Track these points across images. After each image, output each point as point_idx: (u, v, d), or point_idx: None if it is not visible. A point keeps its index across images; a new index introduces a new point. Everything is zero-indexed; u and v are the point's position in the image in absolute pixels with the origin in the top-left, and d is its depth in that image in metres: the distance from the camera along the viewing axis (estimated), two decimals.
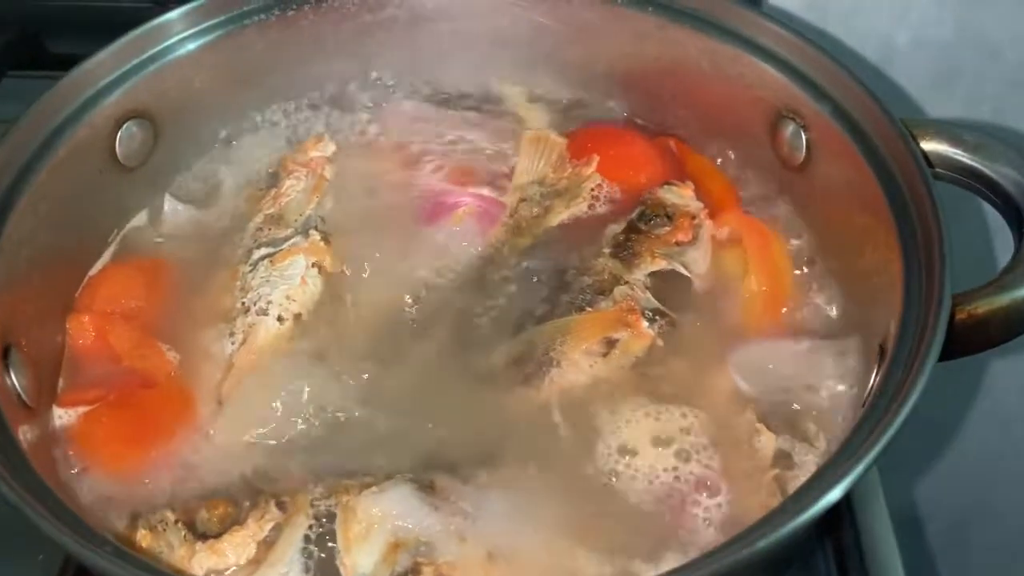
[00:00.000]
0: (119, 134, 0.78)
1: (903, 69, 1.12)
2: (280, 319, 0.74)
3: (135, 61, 0.78)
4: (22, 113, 0.72)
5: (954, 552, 1.54)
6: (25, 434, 0.61)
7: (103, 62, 0.76)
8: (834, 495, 0.52)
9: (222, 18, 0.81)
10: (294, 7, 0.84)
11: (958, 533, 1.53)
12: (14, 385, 0.64)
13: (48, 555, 0.71)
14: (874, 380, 0.62)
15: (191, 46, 0.80)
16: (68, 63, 0.77)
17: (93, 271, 0.78)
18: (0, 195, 0.68)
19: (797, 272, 0.77)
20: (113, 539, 0.55)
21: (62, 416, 0.69)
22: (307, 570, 0.63)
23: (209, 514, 0.65)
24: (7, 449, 0.56)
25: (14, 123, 0.71)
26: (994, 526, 1.52)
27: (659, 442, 0.67)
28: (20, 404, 0.64)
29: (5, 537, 0.73)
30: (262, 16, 0.83)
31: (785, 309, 0.75)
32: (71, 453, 0.68)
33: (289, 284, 0.75)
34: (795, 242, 0.79)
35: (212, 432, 0.69)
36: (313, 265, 0.76)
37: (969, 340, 0.64)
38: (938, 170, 0.70)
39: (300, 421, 0.70)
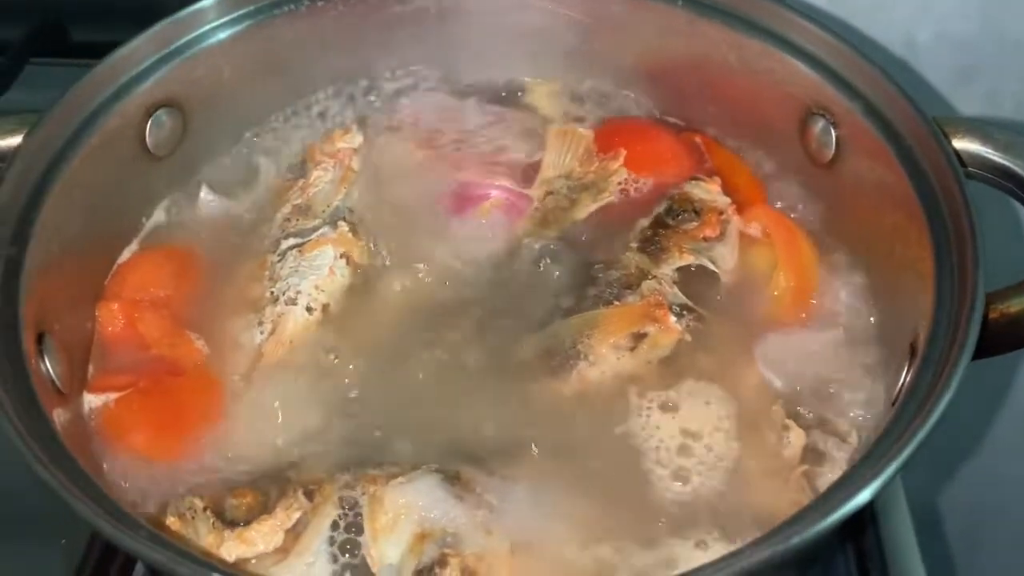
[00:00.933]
0: (149, 123, 0.78)
1: (925, 64, 1.12)
2: (309, 309, 0.74)
3: (166, 50, 0.78)
4: (44, 100, 0.72)
5: (971, 552, 1.54)
6: (59, 418, 0.61)
7: (135, 51, 0.76)
8: (864, 496, 0.52)
9: (252, 8, 0.81)
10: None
11: (976, 533, 1.53)
12: (48, 371, 0.64)
13: (71, 540, 0.72)
14: (905, 379, 0.62)
15: (222, 35, 0.80)
16: (90, 51, 0.78)
17: (122, 259, 0.79)
18: (34, 182, 0.69)
19: (826, 268, 0.77)
20: (146, 524, 0.55)
21: (92, 402, 0.70)
22: (333, 559, 0.63)
23: (237, 502, 0.65)
24: (43, 433, 0.57)
25: (47, 112, 0.71)
26: (1011, 527, 1.52)
27: (687, 435, 0.67)
28: (54, 389, 0.65)
29: (29, 522, 0.75)
30: (292, 6, 0.83)
31: (814, 303, 0.75)
32: (101, 439, 0.68)
33: (318, 275, 0.75)
34: (825, 239, 0.79)
35: (240, 421, 0.70)
36: (341, 256, 0.77)
37: (1001, 339, 0.64)
38: (970, 169, 0.69)
39: (327, 411, 0.70)
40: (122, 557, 0.71)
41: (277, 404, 0.71)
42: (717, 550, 0.62)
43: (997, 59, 1.10)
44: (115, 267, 0.78)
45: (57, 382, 0.65)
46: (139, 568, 0.71)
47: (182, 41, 0.78)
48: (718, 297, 0.76)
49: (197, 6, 0.79)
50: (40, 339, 0.65)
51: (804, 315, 0.75)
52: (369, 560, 0.62)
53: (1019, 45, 1.09)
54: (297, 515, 0.64)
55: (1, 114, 0.97)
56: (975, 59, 1.11)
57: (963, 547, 1.52)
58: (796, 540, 0.50)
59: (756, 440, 0.68)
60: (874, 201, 0.74)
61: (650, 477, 0.66)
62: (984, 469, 1.46)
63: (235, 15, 0.80)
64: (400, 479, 0.65)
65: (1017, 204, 0.69)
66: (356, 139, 0.85)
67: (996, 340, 0.63)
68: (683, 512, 0.65)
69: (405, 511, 0.63)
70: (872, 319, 0.74)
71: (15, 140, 0.69)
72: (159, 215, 0.82)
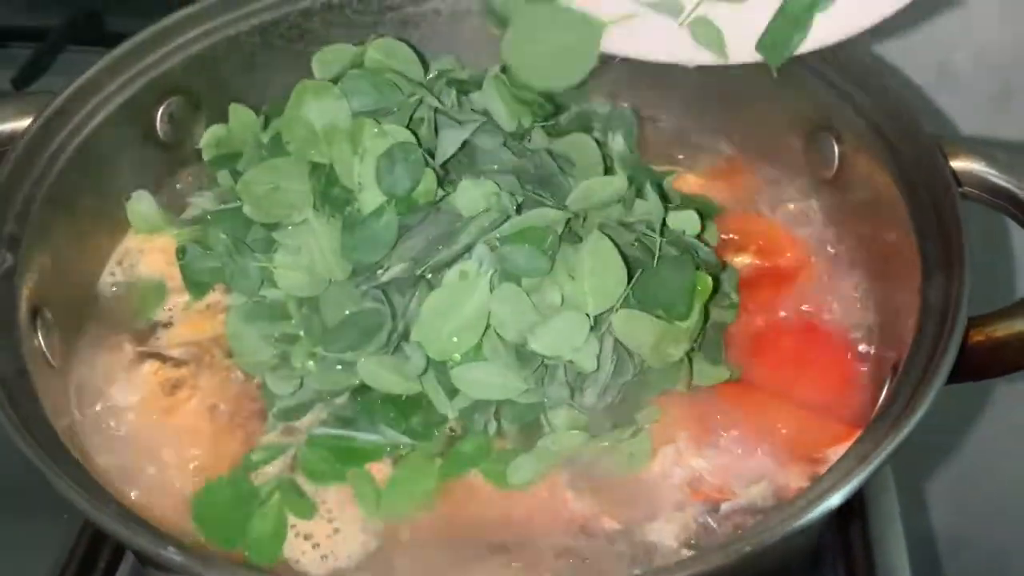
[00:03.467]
0: (160, 111, 0.80)
1: (961, 87, 1.10)
2: None
3: (180, 40, 0.79)
4: None
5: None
6: (47, 394, 0.63)
7: (149, 40, 0.78)
8: (831, 502, 0.53)
9: (268, 2, 0.83)
10: None
11: (995, 562, 1.50)
12: (41, 345, 0.66)
13: (72, 514, 0.73)
14: (884, 394, 0.61)
15: (235, 29, 0.82)
16: (124, 39, 0.80)
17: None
18: (41, 164, 0.70)
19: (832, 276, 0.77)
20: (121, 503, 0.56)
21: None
22: None
23: None
24: (30, 411, 0.58)
25: (58, 93, 0.73)
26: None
27: None
28: (46, 364, 0.66)
29: (32, 496, 0.77)
30: (307, 3, 0.84)
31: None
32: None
33: None
34: (832, 251, 0.78)
35: None
36: None
37: (987, 363, 0.63)
38: (968, 189, 0.69)
39: None
40: (114, 539, 0.73)
41: None
42: None
43: None
44: None
45: (49, 357, 0.67)
46: None
47: (195, 32, 0.80)
48: None
49: (207, 1, 0.80)
50: (36, 314, 0.67)
51: None
52: None
53: None
54: None
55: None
56: (1011, 82, 1.10)
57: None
58: (759, 542, 0.50)
59: None
60: (874, 218, 0.74)
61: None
62: (1003, 500, 1.43)
63: (249, 9, 0.82)
64: None
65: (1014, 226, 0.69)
66: None
67: (981, 364, 0.63)
68: None
69: None
70: (871, 331, 0.73)
71: (25, 122, 0.71)
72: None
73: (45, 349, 0.66)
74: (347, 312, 0.68)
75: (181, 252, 0.75)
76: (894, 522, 0.75)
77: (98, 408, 0.69)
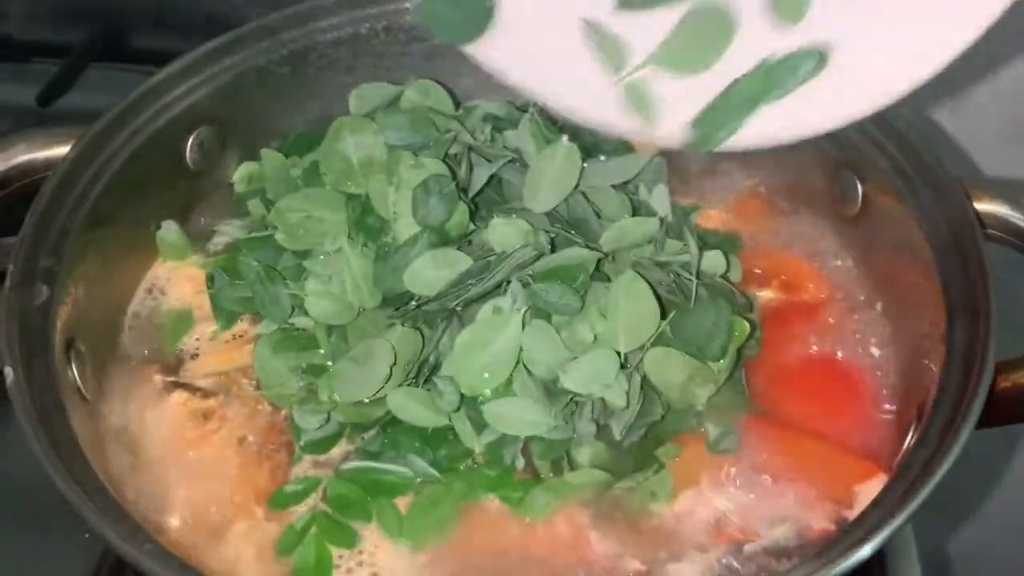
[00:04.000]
0: (190, 140, 0.81)
1: (978, 122, 1.11)
2: None
3: (209, 71, 0.80)
4: (102, 102, 0.75)
5: None
6: (81, 426, 0.63)
7: (179, 71, 0.79)
8: (862, 553, 0.53)
9: (295, 33, 0.83)
10: (367, 26, 0.86)
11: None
12: (75, 377, 0.67)
13: (93, 534, 0.74)
14: (908, 442, 0.62)
15: (264, 59, 0.82)
16: (147, 56, 0.81)
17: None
18: (76, 194, 0.71)
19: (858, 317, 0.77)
20: (153, 536, 0.57)
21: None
22: None
23: None
24: (63, 440, 0.59)
25: (93, 126, 0.74)
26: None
27: None
28: (80, 397, 0.67)
29: (56, 515, 0.77)
30: (336, 33, 0.85)
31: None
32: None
33: None
34: (855, 290, 0.79)
35: None
36: None
37: (1012, 409, 0.64)
38: (992, 231, 0.69)
39: None
40: None
41: None
42: None
43: None
44: None
45: (83, 389, 0.68)
46: None
47: (225, 63, 0.81)
48: None
49: (242, 29, 0.81)
50: (69, 346, 0.67)
51: None
52: None
53: None
54: None
55: (58, 117, 1.01)
56: None
57: None
58: None
59: None
60: (897, 258, 0.74)
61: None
62: (1006, 531, 1.43)
63: (279, 39, 0.83)
64: None
65: None
66: None
67: (1007, 409, 0.63)
68: None
69: None
70: (894, 370, 0.74)
71: (61, 150, 0.72)
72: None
73: (79, 382, 0.67)
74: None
75: (210, 280, 0.76)
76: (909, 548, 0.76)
77: (128, 439, 0.70)
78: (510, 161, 0.74)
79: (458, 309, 0.68)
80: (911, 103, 1.04)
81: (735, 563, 0.64)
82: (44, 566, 0.77)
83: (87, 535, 0.73)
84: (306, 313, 0.71)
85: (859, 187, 0.77)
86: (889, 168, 0.74)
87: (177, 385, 0.73)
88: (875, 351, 0.75)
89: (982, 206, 0.70)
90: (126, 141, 0.75)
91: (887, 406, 0.72)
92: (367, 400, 0.67)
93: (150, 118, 0.78)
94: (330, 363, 0.70)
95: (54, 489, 0.77)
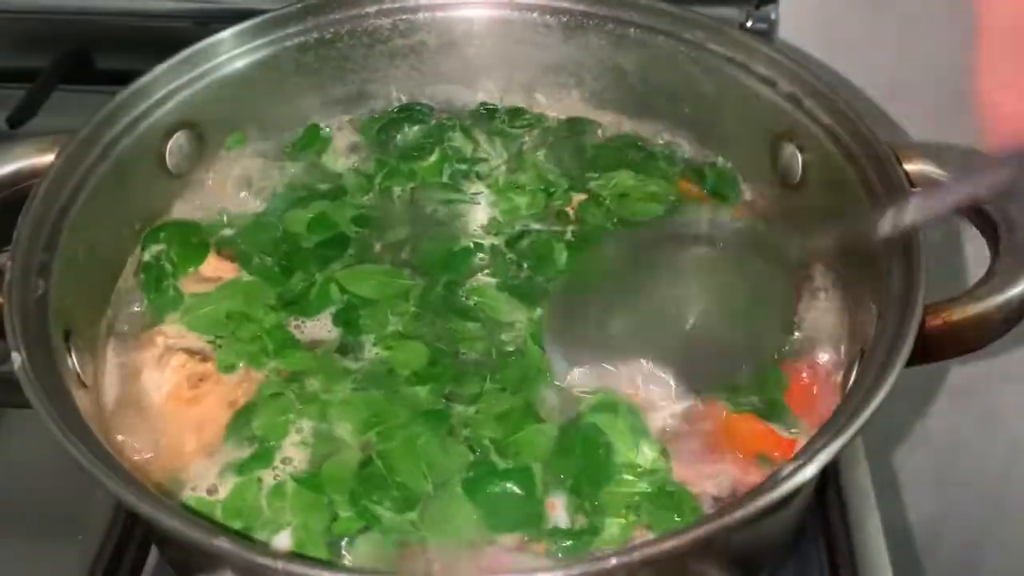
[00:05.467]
0: (169, 144, 0.84)
1: (908, 102, 1.16)
2: None
3: (186, 77, 0.84)
4: (70, 125, 0.78)
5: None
6: (84, 409, 0.66)
7: (157, 78, 0.83)
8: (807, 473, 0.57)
9: (266, 39, 0.88)
10: (331, 31, 0.90)
11: (967, 559, 1.56)
12: (74, 365, 0.70)
13: (87, 536, 0.77)
14: (853, 377, 0.67)
15: (237, 64, 0.87)
16: (115, 78, 0.83)
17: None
18: (64, 196, 0.75)
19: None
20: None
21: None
22: None
23: None
24: (71, 418, 0.62)
25: (77, 132, 0.77)
26: (1004, 553, 1.55)
27: None
28: (80, 383, 0.70)
29: (49, 520, 0.81)
30: (302, 38, 0.89)
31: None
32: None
33: None
34: (795, 253, 0.84)
35: None
36: None
37: (945, 345, 0.69)
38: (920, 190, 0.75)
39: None
40: (133, 552, 0.77)
41: None
42: None
43: None
44: None
45: (82, 376, 0.71)
46: (150, 561, 0.77)
47: (201, 69, 0.85)
48: None
49: (215, 37, 0.85)
50: (67, 336, 0.70)
51: None
52: None
53: None
54: None
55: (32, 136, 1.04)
56: (958, 94, 1.15)
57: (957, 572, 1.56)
58: (754, 508, 0.55)
59: None
60: (837, 219, 0.79)
61: None
62: (976, 496, 1.49)
63: (250, 46, 0.87)
64: None
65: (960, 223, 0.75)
66: None
67: (940, 346, 0.68)
68: None
69: None
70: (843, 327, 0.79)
71: (48, 157, 0.75)
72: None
73: (78, 369, 0.70)
74: None
75: None
76: (868, 499, 0.81)
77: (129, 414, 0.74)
78: None
79: None
80: (847, 83, 1.12)
81: None
82: (39, 571, 0.79)
83: (80, 537, 0.78)
84: None
85: (800, 157, 0.83)
86: (825, 137, 0.79)
87: (176, 350, 0.77)
88: (824, 317, 0.80)
89: (910, 166, 0.75)
90: (109, 145, 0.79)
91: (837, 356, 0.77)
92: None
93: (129, 125, 0.81)
94: None
95: (48, 493, 0.81)
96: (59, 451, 0.76)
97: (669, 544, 0.54)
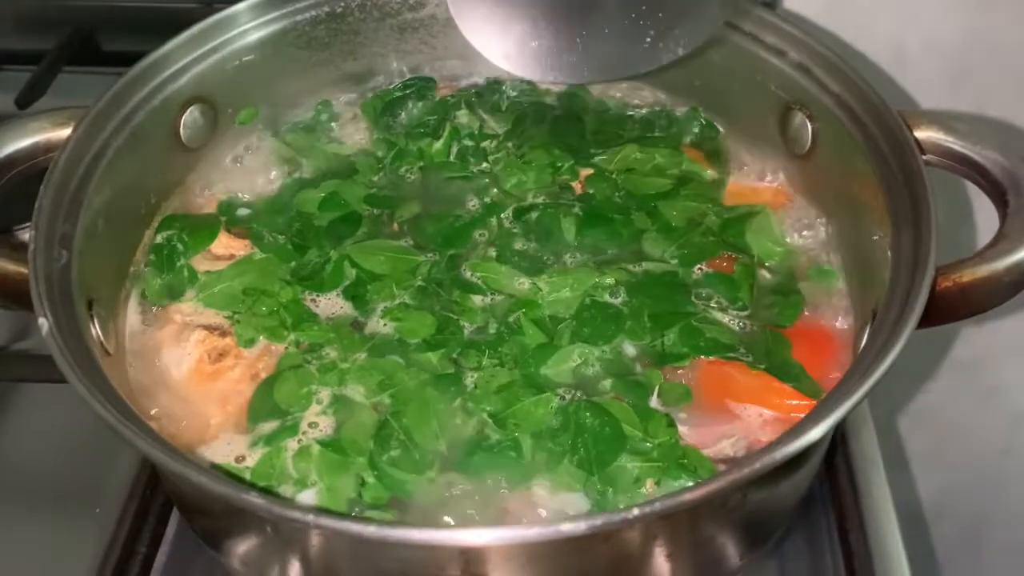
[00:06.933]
0: (183, 118, 0.85)
1: (914, 71, 1.17)
2: None
3: (199, 51, 0.85)
4: (78, 103, 0.78)
5: (967, 552, 1.58)
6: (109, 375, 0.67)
7: (171, 52, 0.83)
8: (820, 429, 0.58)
9: (278, 13, 0.88)
10: (342, 4, 0.91)
11: (971, 533, 1.57)
12: (97, 334, 0.71)
13: (104, 510, 0.79)
14: (864, 339, 0.68)
15: (250, 38, 0.87)
16: (119, 60, 0.84)
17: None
18: (83, 168, 0.75)
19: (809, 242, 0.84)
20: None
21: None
22: None
23: None
24: (98, 381, 0.63)
25: (92, 106, 0.77)
26: (1007, 526, 1.56)
27: None
28: (103, 350, 0.71)
29: (67, 495, 0.82)
30: (314, 12, 0.90)
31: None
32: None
33: None
34: (805, 219, 0.86)
35: None
36: None
37: (955, 306, 0.69)
38: (930, 156, 0.75)
39: None
40: (152, 525, 0.79)
41: None
42: None
43: (983, 66, 1.16)
44: None
45: (105, 344, 0.72)
46: (168, 534, 0.79)
47: (214, 43, 0.85)
48: None
49: (229, 10, 0.86)
50: (90, 306, 0.71)
51: None
52: None
53: (1004, 52, 1.14)
54: None
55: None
56: (962, 66, 1.16)
57: (959, 548, 1.57)
58: (767, 463, 0.56)
59: None
60: (847, 186, 0.80)
61: None
62: (979, 470, 1.50)
63: (263, 19, 0.88)
64: None
65: (970, 190, 0.76)
66: None
67: (950, 307, 0.69)
68: None
69: None
70: (850, 288, 0.81)
71: (65, 132, 0.76)
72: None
73: (102, 338, 0.71)
74: None
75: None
76: (876, 466, 0.83)
77: (151, 379, 0.75)
78: None
79: None
80: (855, 53, 1.12)
81: None
82: (56, 549, 0.79)
83: (98, 510, 0.78)
84: None
85: (809, 125, 0.83)
86: (834, 105, 0.80)
87: (195, 326, 0.78)
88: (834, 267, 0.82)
89: (921, 133, 0.76)
90: (125, 119, 0.79)
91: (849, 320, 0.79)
92: None
93: (144, 99, 0.81)
94: None
95: (65, 467, 0.82)
96: (77, 425, 0.78)
97: (691, 496, 0.54)
